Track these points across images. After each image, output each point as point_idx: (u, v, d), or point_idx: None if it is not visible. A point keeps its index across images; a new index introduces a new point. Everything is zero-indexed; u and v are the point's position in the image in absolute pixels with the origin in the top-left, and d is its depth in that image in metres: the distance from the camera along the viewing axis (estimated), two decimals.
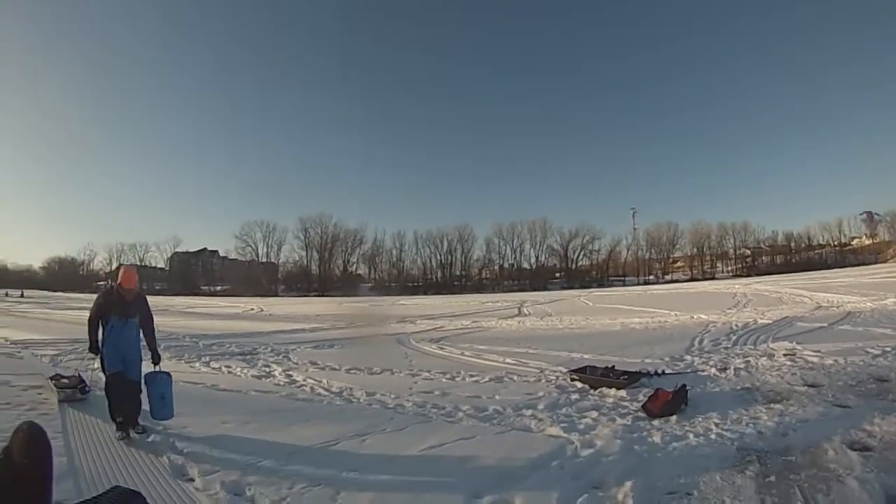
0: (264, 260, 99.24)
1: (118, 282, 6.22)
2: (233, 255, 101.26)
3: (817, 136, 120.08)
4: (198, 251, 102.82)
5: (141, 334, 6.40)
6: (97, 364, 6.23)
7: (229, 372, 10.31)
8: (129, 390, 5.99)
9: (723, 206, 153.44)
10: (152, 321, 6.57)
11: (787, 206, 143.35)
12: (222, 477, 4.56)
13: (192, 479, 4.64)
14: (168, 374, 6.26)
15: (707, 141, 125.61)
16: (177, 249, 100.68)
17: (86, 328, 6.17)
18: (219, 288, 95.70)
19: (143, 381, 6.13)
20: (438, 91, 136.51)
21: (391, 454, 5.14)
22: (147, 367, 6.32)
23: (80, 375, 8.05)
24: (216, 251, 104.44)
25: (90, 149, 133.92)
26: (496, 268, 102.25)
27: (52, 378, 8.22)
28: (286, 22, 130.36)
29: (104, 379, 6.09)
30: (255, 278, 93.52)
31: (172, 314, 29.15)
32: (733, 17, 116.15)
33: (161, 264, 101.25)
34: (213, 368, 10.73)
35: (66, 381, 7.95)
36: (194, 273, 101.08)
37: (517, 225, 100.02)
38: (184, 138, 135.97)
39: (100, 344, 6.08)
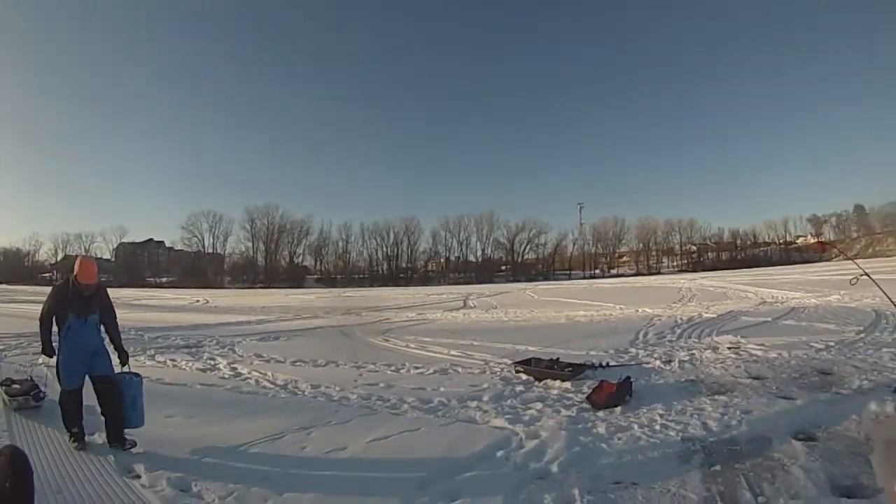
0: (210, 251, 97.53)
1: (74, 275, 5.34)
2: (179, 246, 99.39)
3: (765, 137, 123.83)
4: (144, 242, 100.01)
5: (102, 330, 5.59)
6: (53, 362, 5.44)
7: (174, 365, 10.10)
8: (104, 391, 5.26)
9: (670, 203, 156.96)
10: (115, 314, 5.76)
11: (733, 204, 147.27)
12: (168, 473, 4.45)
13: (138, 476, 4.51)
14: (139, 375, 5.57)
15: (655, 138, 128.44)
16: (123, 240, 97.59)
17: (35, 322, 5.56)
18: (165, 279, 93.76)
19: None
20: (388, 83, 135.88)
21: (337, 447, 5.08)
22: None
23: (32, 379, 7.11)
24: (162, 242, 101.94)
25: (33, 137, 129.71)
26: (442, 260, 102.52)
27: (1, 384, 7.14)
28: (227, 10, 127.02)
29: (60, 390, 5.31)
30: (202, 270, 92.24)
31: (118, 306, 27.09)
32: (678, 15, 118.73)
33: (107, 255, 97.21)
34: (158, 362, 10.47)
35: (17, 386, 6.93)
36: (140, 264, 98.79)
37: (464, 218, 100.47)
38: (130, 127, 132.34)
39: (56, 347, 5.33)
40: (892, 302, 6.85)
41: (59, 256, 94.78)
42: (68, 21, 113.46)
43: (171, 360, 10.61)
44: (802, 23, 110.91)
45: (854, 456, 4.30)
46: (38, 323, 5.40)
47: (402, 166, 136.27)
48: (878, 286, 6.78)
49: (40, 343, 5.46)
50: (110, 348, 5.58)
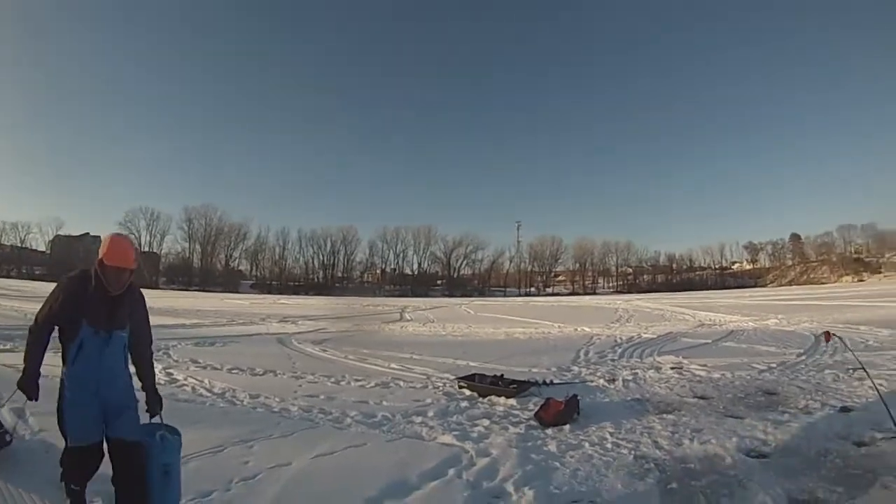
0: (146, 249, 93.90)
1: (100, 258, 3.53)
2: None
3: (705, 164, 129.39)
4: (80, 235, 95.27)
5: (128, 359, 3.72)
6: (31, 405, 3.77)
7: None
8: (122, 458, 3.49)
9: (607, 224, 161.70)
10: (151, 334, 3.89)
11: (671, 228, 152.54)
12: (102, 487, 3.95)
13: None
14: (176, 431, 3.77)
15: (595, 160, 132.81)
16: (59, 232, 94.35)
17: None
18: None
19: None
20: (333, 93, 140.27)
21: (281, 462, 4.91)
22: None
23: None
24: (98, 237, 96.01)
25: None
26: (378, 272, 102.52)
27: None
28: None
29: (63, 447, 3.57)
30: (137, 268, 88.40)
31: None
32: (622, 39, 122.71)
33: (42, 247, 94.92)
34: None
35: None
36: (75, 259, 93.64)
37: (402, 230, 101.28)
38: (71, 115, 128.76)
39: (62, 379, 3.54)
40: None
41: None
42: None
43: None
44: (745, 51, 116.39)
45: (808, 472, 4.47)
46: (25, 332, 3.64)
47: (343, 174, 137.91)
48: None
49: (22, 368, 3.54)
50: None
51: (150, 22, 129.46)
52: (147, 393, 3.74)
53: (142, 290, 3.85)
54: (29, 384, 3.49)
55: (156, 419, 3.74)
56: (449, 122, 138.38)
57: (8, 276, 78.05)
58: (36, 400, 3.51)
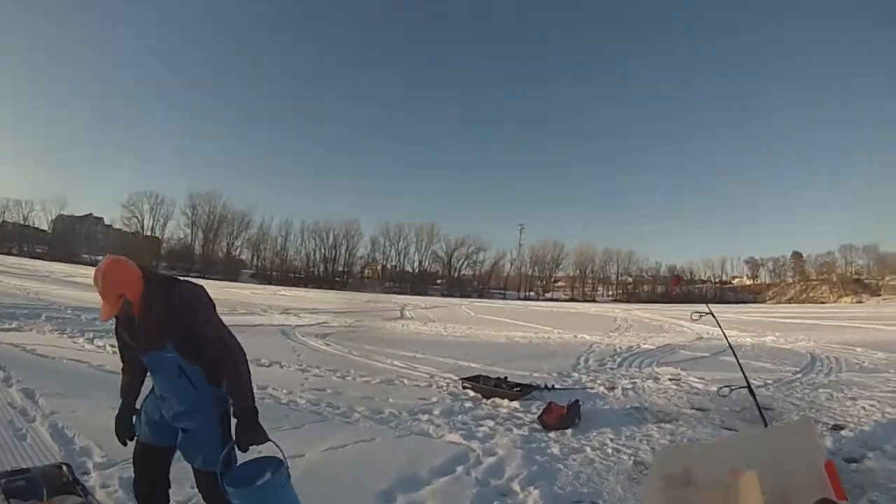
0: (149, 233, 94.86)
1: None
2: (118, 225, 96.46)
3: (710, 177, 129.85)
4: (83, 216, 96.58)
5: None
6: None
7: (114, 351, 9.45)
8: (205, 490, 2.96)
9: (610, 232, 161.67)
10: (224, 349, 2.93)
11: (673, 239, 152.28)
12: (120, 472, 4.26)
13: (86, 473, 4.33)
14: (281, 463, 2.85)
15: (601, 167, 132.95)
16: (62, 212, 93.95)
17: None
18: (100, 257, 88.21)
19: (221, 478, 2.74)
20: (340, 87, 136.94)
21: (294, 453, 4.88)
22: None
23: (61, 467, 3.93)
24: (101, 218, 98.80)
25: None
26: (379, 267, 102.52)
27: None
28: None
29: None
30: (139, 252, 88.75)
31: (54, 282, 28.03)
32: (623, 48, 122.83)
33: (44, 226, 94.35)
34: (98, 346, 10.27)
35: (21, 482, 3.53)
36: (77, 239, 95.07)
37: (404, 227, 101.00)
38: (78, 93, 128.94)
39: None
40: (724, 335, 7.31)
41: None
42: None
43: (111, 344, 10.19)
44: (750, 61, 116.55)
45: None
46: None
47: (348, 166, 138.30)
48: (720, 326, 7.24)
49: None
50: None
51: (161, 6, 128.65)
52: (238, 413, 2.88)
53: (192, 292, 2.95)
54: (119, 425, 3.16)
55: (259, 450, 2.89)
56: (457, 121, 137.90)
57: (9, 254, 77.91)
58: (125, 443, 3.15)
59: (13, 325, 11.83)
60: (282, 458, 2.86)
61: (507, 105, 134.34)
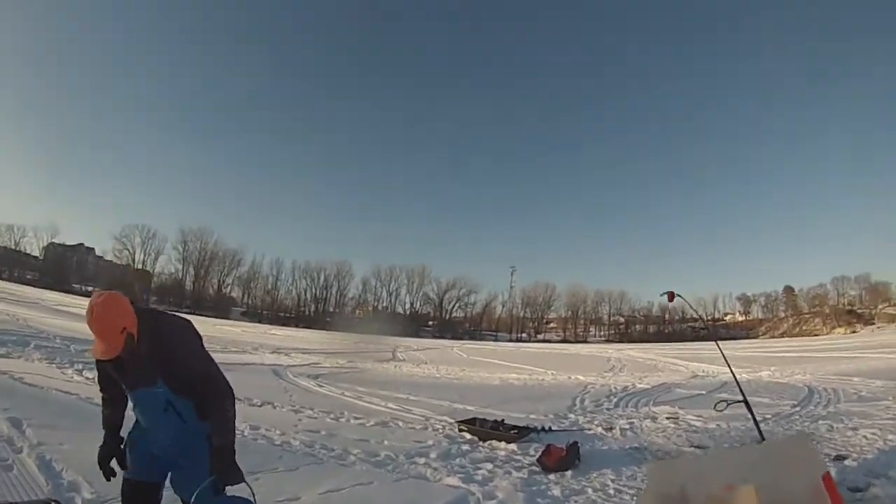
0: (139, 267, 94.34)
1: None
2: (109, 256, 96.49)
3: (697, 215, 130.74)
4: (75, 245, 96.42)
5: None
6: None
7: None
8: None
9: (601, 273, 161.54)
10: (209, 386, 2.86)
11: (664, 277, 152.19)
12: None
13: None
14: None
15: (590, 208, 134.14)
16: (53, 240, 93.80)
17: None
18: (90, 288, 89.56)
19: None
20: (328, 125, 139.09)
21: (289, 497, 4.87)
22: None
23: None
24: (93, 249, 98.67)
25: None
26: (370, 308, 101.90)
27: None
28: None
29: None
30: (128, 285, 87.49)
31: (44, 310, 27.87)
32: (604, 84, 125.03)
33: (36, 252, 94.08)
34: (87, 379, 9.99)
35: None
36: (68, 268, 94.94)
37: (396, 268, 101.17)
38: (71, 119, 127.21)
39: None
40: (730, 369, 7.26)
41: None
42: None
43: None
44: (742, 97, 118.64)
45: None
46: None
47: (339, 208, 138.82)
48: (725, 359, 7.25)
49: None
50: None
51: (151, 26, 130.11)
52: (213, 453, 2.76)
53: (182, 327, 2.93)
54: (106, 451, 3.04)
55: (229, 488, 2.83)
56: (446, 163, 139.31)
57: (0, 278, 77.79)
58: (108, 479, 3.02)
59: (1, 352, 11.66)
60: (253, 501, 2.87)
61: (493, 145, 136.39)
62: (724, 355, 7.42)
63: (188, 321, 2.98)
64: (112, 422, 3.10)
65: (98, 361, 2.90)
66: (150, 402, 2.85)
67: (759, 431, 4.49)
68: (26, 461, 5.10)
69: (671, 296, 8.11)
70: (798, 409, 10.94)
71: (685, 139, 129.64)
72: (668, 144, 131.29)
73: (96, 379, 3.10)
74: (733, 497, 3.04)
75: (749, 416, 9.68)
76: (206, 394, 2.85)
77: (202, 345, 2.96)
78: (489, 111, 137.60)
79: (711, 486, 3.27)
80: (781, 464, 3.31)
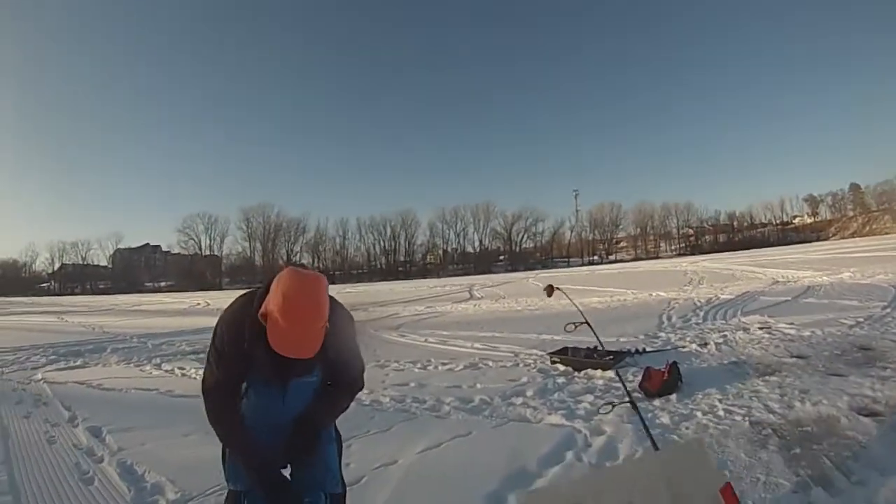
0: (207, 253, 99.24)
1: (268, 310, 2.25)
2: (176, 250, 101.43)
3: (760, 118, 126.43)
4: (140, 247, 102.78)
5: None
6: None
7: (183, 374, 9.71)
8: None
9: (666, 187, 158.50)
10: (355, 381, 2.87)
11: (729, 185, 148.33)
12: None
13: None
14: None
15: (649, 122, 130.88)
16: (119, 246, 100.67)
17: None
18: (163, 284, 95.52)
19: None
20: (374, 81, 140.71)
21: (386, 461, 4.67)
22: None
23: None
24: (158, 246, 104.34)
25: (26, 146, 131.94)
26: (440, 252, 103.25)
27: None
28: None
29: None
30: (199, 272, 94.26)
31: (118, 314, 28.45)
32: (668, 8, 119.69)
33: (104, 262, 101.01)
34: (166, 371, 10.19)
35: None
36: (137, 269, 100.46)
37: (461, 209, 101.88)
38: (122, 133, 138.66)
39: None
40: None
41: (56, 266, 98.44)
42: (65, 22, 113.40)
43: (179, 368, 10.31)
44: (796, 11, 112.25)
45: None
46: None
47: (398, 159, 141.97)
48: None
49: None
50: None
51: (197, 30, 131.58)
52: (298, 433, 2.55)
53: (339, 310, 2.58)
54: (254, 478, 2.48)
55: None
56: (500, 98, 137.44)
57: (73, 294, 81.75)
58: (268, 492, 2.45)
59: (78, 363, 11.83)
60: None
61: (549, 72, 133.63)
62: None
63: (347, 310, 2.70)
64: (246, 428, 2.59)
65: (238, 355, 2.46)
66: (301, 392, 2.61)
67: (652, 440, 3.98)
68: (107, 470, 4.96)
69: (550, 290, 7.96)
70: (889, 310, 10.52)
71: (743, 45, 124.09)
72: (724, 50, 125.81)
73: (217, 381, 2.52)
74: None
75: (840, 322, 9.47)
76: (338, 382, 2.73)
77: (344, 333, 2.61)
78: (543, 43, 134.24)
79: None
80: (676, 477, 2.71)
